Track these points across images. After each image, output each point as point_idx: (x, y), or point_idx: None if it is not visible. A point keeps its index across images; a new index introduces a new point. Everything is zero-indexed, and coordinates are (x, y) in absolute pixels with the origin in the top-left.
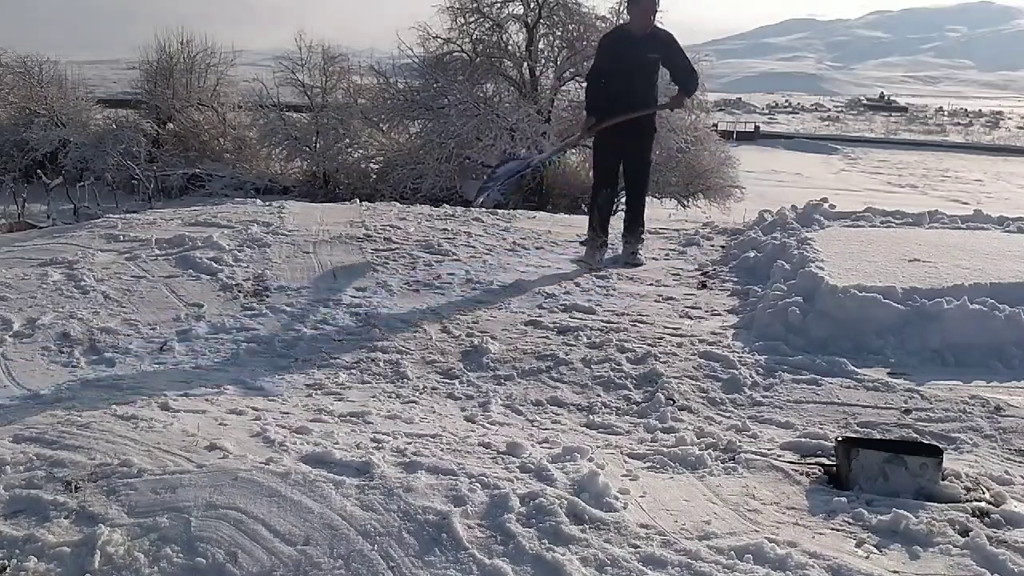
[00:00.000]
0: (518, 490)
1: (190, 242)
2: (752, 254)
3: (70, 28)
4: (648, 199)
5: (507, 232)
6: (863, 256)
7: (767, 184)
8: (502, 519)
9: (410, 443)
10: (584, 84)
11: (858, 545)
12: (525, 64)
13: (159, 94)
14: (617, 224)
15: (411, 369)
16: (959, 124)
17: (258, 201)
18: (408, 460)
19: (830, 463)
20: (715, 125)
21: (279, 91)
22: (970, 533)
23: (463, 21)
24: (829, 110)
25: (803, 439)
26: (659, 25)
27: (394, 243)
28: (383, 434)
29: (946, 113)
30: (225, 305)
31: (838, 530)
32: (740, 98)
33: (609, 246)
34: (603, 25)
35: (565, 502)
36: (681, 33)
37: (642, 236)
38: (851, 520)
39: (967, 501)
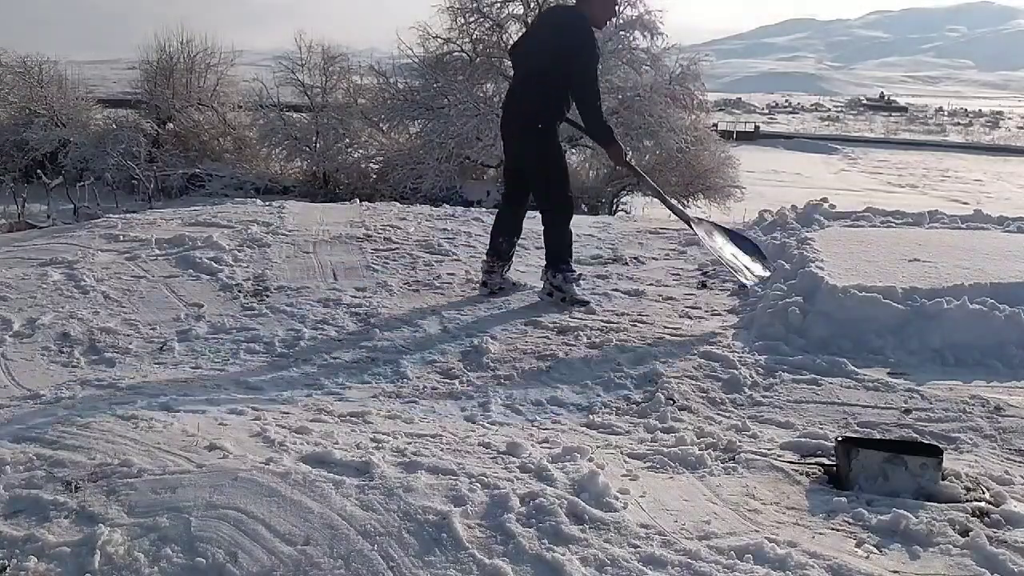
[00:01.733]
0: (518, 490)
1: (190, 242)
2: None
3: (70, 28)
4: (648, 199)
5: None
6: (863, 256)
7: (767, 184)
8: (502, 519)
9: (410, 443)
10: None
11: (858, 545)
12: None
13: (159, 94)
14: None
15: (411, 369)
16: (959, 124)
17: (258, 201)
18: (408, 460)
19: (830, 463)
20: (715, 125)
21: (279, 91)
22: (970, 533)
23: (463, 21)
24: (829, 110)
25: (803, 439)
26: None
27: (394, 243)
28: (383, 434)
29: (946, 113)
30: (225, 305)
31: (838, 530)
32: (740, 98)
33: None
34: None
35: (565, 502)
36: (681, 33)
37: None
38: (851, 520)
39: (967, 501)
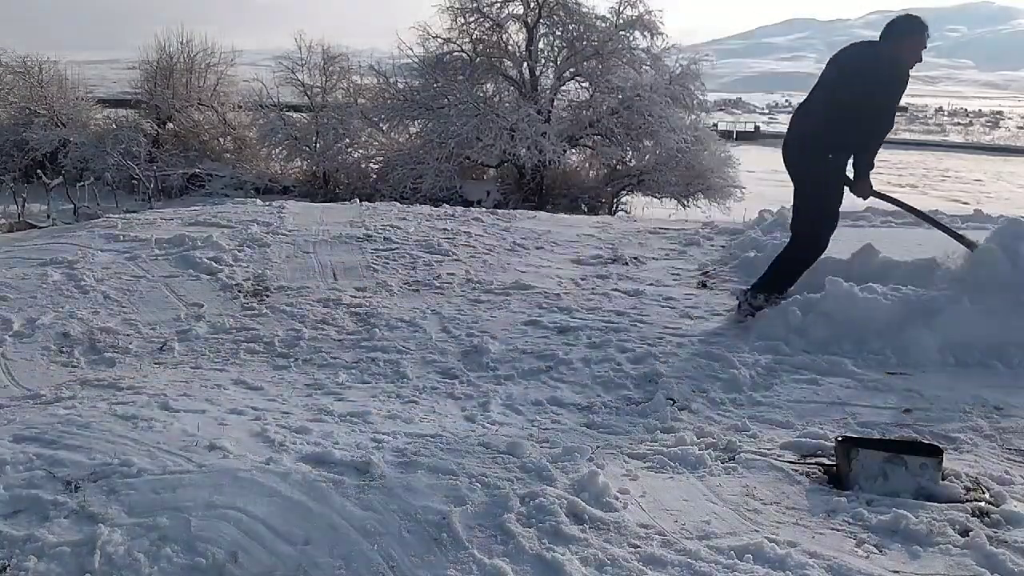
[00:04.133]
0: (518, 490)
1: (190, 242)
2: (752, 254)
3: (70, 28)
4: (647, 199)
5: (507, 232)
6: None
7: (768, 184)
8: (502, 519)
9: (410, 443)
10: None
11: (858, 545)
12: (525, 64)
13: (159, 94)
14: None
15: (411, 369)
16: (959, 124)
17: (258, 201)
18: (408, 460)
19: (830, 463)
20: (715, 125)
21: (279, 91)
22: (970, 533)
23: (463, 21)
24: None
25: (803, 439)
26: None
27: (394, 243)
28: (383, 434)
29: (946, 113)
30: (225, 305)
31: (838, 530)
32: (740, 98)
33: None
34: (603, 25)
35: (565, 502)
36: (681, 33)
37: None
38: (851, 520)
39: (967, 501)
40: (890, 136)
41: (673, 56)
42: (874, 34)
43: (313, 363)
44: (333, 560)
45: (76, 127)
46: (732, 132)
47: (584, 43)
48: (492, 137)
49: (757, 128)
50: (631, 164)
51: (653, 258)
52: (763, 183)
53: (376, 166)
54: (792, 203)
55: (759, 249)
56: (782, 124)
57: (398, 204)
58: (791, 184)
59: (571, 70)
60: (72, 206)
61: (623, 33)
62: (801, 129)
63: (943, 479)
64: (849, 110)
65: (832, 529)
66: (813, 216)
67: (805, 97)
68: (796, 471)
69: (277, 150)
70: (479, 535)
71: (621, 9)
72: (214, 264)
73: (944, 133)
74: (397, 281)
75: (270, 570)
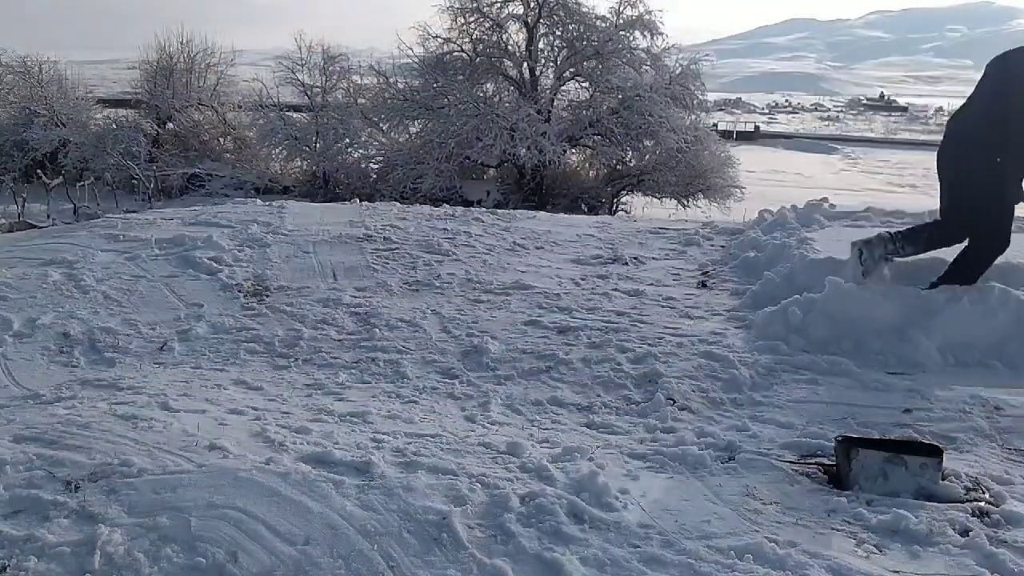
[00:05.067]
0: (518, 490)
1: (190, 242)
2: (752, 254)
3: (70, 28)
4: (647, 199)
5: (507, 232)
6: None
7: (767, 184)
8: (502, 519)
9: (410, 443)
10: None
11: (858, 545)
12: (525, 64)
13: (159, 94)
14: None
15: (411, 369)
16: None
17: (258, 201)
18: (408, 460)
19: (830, 463)
20: (715, 125)
21: (279, 91)
22: (970, 533)
23: (463, 21)
24: (829, 110)
25: (803, 439)
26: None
27: (394, 243)
28: (383, 434)
29: (946, 113)
30: (225, 305)
31: (838, 530)
32: (740, 98)
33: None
34: (603, 25)
35: (565, 502)
36: (681, 33)
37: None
38: (851, 520)
39: (967, 501)
40: (890, 136)
41: (673, 56)
42: (874, 34)
43: (313, 363)
44: (333, 560)
45: (76, 127)
46: (732, 132)
47: (584, 43)
48: (492, 137)
49: (757, 128)
50: (631, 164)
51: (653, 258)
52: (763, 183)
53: (376, 166)
54: (949, 212)
55: (759, 249)
56: (782, 124)
57: (398, 204)
58: (790, 184)
59: (571, 70)
60: (72, 206)
61: (623, 33)
62: (958, 131)
63: (943, 479)
64: (1005, 122)
65: (832, 529)
66: (990, 217)
67: (959, 107)
68: (796, 471)
69: (277, 150)
70: (479, 535)
71: (621, 9)
72: (214, 264)
73: None
74: (397, 281)
75: (270, 570)
